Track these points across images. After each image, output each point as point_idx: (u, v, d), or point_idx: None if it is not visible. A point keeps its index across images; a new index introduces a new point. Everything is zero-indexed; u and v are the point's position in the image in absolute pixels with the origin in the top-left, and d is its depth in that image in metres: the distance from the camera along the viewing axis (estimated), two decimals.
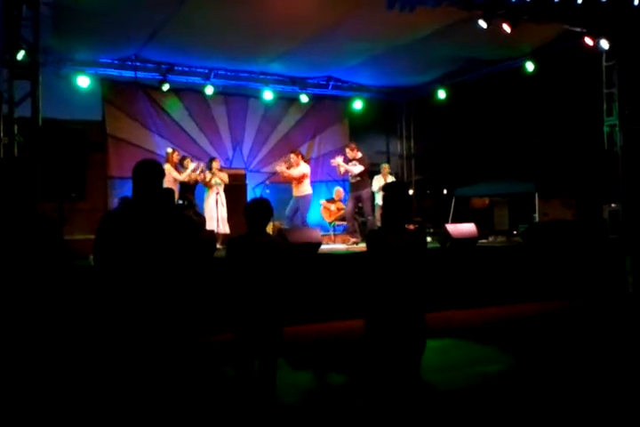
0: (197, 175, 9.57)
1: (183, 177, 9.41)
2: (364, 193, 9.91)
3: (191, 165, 9.50)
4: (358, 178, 9.88)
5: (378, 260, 3.61)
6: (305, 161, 10.15)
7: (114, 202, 10.48)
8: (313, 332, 6.43)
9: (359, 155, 9.94)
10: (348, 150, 10.05)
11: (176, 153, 9.71)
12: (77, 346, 5.12)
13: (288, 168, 9.88)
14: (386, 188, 3.83)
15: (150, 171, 3.35)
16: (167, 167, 9.13)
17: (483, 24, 8.52)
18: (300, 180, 9.73)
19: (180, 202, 9.30)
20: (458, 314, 7.25)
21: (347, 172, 9.96)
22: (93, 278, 3.57)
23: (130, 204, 3.32)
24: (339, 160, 9.88)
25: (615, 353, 5.52)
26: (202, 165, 9.75)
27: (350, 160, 9.94)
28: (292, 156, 9.93)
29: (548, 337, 6.23)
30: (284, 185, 10.43)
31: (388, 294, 3.53)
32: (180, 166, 9.60)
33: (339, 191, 12.04)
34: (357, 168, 9.79)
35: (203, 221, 9.30)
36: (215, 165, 9.74)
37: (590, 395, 4.37)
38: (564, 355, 5.52)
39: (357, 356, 4.79)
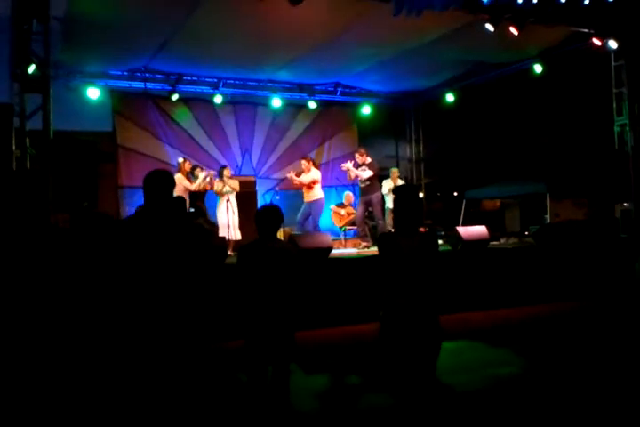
0: (207, 183, 9.64)
1: (194, 187, 9.48)
2: (374, 197, 9.93)
3: (201, 175, 9.58)
4: (368, 182, 9.91)
5: (389, 262, 3.62)
6: (315, 167, 10.18)
7: (131, 212, 10.57)
8: (325, 337, 6.43)
9: (368, 160, 9.97)
10: (357, 155, 10.07)
11: (187, 162, 9.79)
12: (91, 351, 5.17)
13: (298, 175, 9.93)
14: (396, 190, 3.83)
15: (161, 181, 3.39)
16: (179, 177, 9.20)
17: (490, 27, 8.54)
18: (310, 185, 9.77)
19: (192, 210, 9.36)
20: (470, 316, 7.23)
21: (356, 176, 10.00)
22: (106, 286, 3.62)
23: (141, 212, 3.37)
24: (348, 165, 9.90)
25: (627, 355, 5.48)
26: (211, 172, 9.83)
27: (360, 165, 9.97)
28: (304, 162, 9.97)
29: (560, 339, 6.20)
30: (294, 191, 10.48)
31: (402, 297, 3.54)
32: (191, 176, 9.67)
33: (348, 196, 12.07)
34: (367, 173, 9.83)
35: (214, 228, 9.35)
36: (226, 173, 9.80)
37: (602, 396, 4.35)
38: (577, 357, 5.49)
39: (371, 359, 4.80)
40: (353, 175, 9.99)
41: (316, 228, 9.67)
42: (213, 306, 5.49)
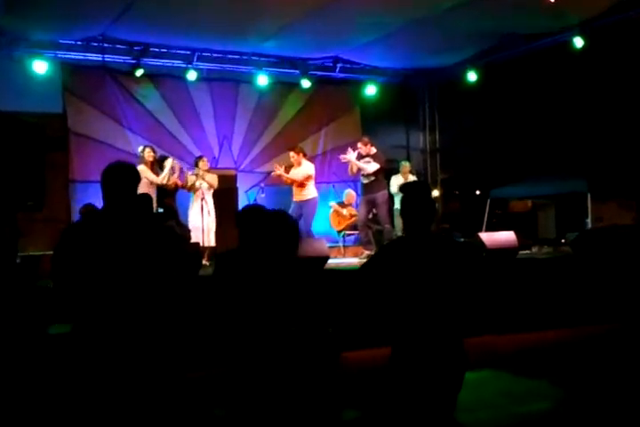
0: (177, 178, 9.61)
1: (160, 180, 9.42)
2: (380, 196, 9.89)
3: (167, 163, 9.51)
4: (372, 178, 9.87)
5: (398, 278, 3.60)
6: (308, 159, 10.18)
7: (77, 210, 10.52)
8: None
9: (373, 150, 9.95)
10: (360, 145, 10.04)
11: (147, 150, 9.65)
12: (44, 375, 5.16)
13: (287, 169, 9.91)
14: (402, 189, 3.85)
15: (123, 175, 3.39)
16: (141, 169, 9.16)
17: None
18: (302, 182, 9.76)
19: (160, 210, 9.34)
20: (494, 340, 7.24)
21: (359, 170, 9.96)
22: (54, 302, 3.61)
23: (97, 214, 3.36)
24: (350, 156, 9.85)
25: None
26: (180, 164, 9.81)
27: (363, 157, 9.92)
28: (292, 153, 9.94)
29: (604, 368, 6.21)
30: (283, 187, 10.47)
31: (419, 319, 3.51)
32: (158, 168, 9.62)
33: (349, 194, 12.06)
34: (372, 166, 9.79)
35: (187, 232, 9.35)
36: (202, 165, 9.78)
37: None
38: (625, 390, 5.50)
39: (372, 390, 4.79)
40: (355, 169, 9.96)
41: (309, 233, 9.67)
42: (186, 328, 5.49)
